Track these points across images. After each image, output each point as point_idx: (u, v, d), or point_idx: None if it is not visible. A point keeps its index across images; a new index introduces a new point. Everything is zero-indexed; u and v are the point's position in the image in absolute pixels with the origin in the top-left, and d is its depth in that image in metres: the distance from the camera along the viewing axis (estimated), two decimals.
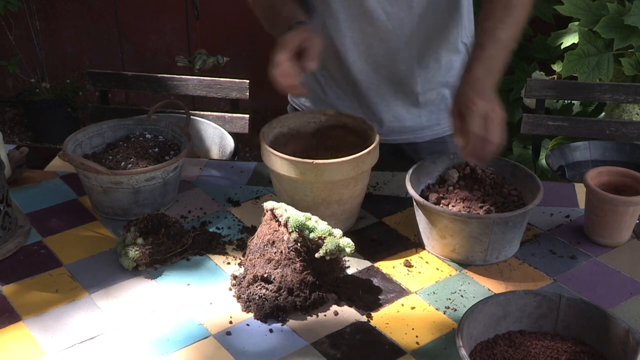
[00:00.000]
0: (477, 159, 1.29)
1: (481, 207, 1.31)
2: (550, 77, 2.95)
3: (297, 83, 1.31)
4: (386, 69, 1.59)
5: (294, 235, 1.21)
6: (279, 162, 1.32)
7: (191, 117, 1.74)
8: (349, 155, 1.32)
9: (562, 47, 2.82)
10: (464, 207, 1.32)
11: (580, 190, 1.54)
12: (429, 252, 1.35)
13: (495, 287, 1.26)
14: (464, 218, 1.27)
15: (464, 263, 1.32)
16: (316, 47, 1.33)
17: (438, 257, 1.34)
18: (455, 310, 1.21)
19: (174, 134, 1.55)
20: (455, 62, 1.62)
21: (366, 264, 1.32)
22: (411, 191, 1.32)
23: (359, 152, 1.33)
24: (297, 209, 1.24)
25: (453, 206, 1.32)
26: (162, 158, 1.49)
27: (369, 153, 1.34)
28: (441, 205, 1.33)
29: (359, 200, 1.41)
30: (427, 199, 1.34)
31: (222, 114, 2.22)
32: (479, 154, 1.27)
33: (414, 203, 1.34)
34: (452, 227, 1.29)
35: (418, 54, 1.58)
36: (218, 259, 1.33)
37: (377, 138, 1.37)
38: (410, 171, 1.37)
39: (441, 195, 1.36)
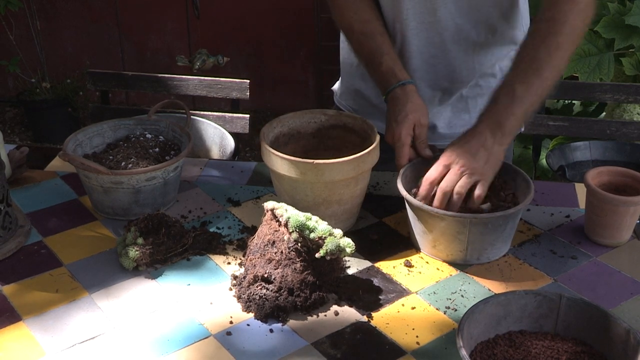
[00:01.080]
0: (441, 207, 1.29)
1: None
2: None
3: (405, 163, 1.39)
4: (447, 80, 1.58)
5: (295, 235, 1.21)
6: (279, 162, 1.32)
7: (191, 117, 1.74)
8: (349, 155, 1.32)
9: None
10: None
11: (580, 190, 1.54)
12: (419, 248, 1.35)
13: (495, 287, 1.26)
14: (440, 214, 1.27)
15: (445, 261, 1.32)
16: (425, 133, 1.42)
17: (426, 253, 1.34)
18: (456, 310, 1.21)
19: (174, 134, 1.55)
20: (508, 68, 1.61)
21: (366, 264, 1.32)
22: (399, 186, 1.32)
23: (359, 152, 1.33)
24: (298, 209, 1.24)
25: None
26: (163, 158, 1.49)
27: (370, 153, 1.34)
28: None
29: (360, 200, 1.41)
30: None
31: (223, 114, 2.22)
32: (441, 204, 1.28)
33: (405, 201, 1.34)
34: (431, 223, 1.29)
35: (478, 65, 1.57)
36: (218, 259, 1.33)
37: (377, 138, 1.37)
38: (403, 170, 1.37)
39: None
